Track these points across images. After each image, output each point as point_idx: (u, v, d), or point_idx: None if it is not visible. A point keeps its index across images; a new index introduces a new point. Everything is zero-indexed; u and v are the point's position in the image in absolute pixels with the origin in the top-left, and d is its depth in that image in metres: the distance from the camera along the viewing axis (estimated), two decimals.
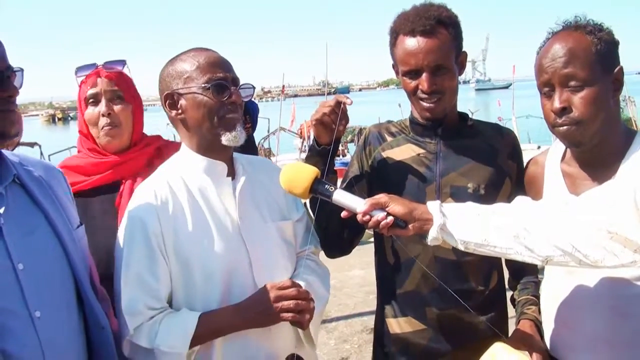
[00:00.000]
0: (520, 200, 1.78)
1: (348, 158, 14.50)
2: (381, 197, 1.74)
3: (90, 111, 2.27)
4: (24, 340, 1.51)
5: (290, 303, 1.80)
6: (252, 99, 2.53)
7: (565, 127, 1.73)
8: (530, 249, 1.61)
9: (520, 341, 1.98)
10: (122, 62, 2.33)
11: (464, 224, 1.68)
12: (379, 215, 1.72)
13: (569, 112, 1.71)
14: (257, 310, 1.80)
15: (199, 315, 1.80)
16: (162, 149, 2.39)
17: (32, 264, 1.57)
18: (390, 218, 1.71)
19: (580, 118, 1.70)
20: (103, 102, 2.26)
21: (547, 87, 1.76)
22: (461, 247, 1.70)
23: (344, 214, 1.80)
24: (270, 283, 1.81)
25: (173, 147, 2.36)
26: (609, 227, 1.52)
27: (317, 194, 1.83)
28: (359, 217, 1.75)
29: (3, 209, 1.57)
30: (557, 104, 1.72)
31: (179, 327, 1.78)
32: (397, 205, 1.71)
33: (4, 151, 1.67)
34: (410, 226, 1.71)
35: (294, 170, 1.87)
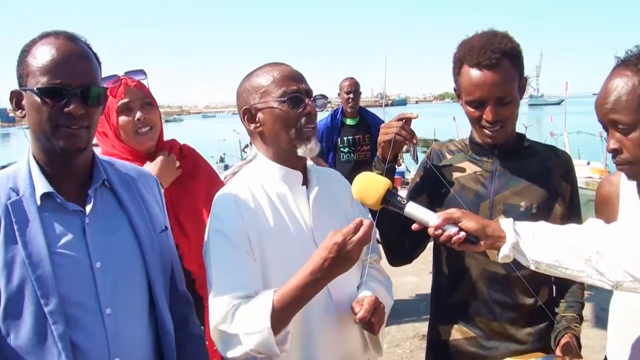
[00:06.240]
0: (593, 222, 1.70)
1: (403, 167, 14.36)
2: (454, 212, 1.69)
3: (125, 119, 2.33)
4: (92, 333, 1.53)
5: (361, 244, 1.64)
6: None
7: (620, 166, 1.72)
8: (601, 272, 1.55)
9: (569, 352, 1.98)
10: (143, 72, 2.41)
11: (537, 244, 1.62)
12: (451, 230, 1.67)
13: (620, 152, 1.68)
14: (332, 257, 1.62)
15: (274, 290, 1.69)
16: (182, 150, 2.52)
17: (109, 263, 1.59)
18: (462, 233, 1.66)
19: (632, 159, 1.66)
20: (137, 109, 2.33)
21: (602, 125, 1.73)
22: (532, 267, 1.64)
23: (414, 226, 1.75)
24: (333, 233, 1.64)
25: (187, 147, 2.57)
26: None
27: (389, 205, 1.78)
28: (430, 230, 1.71)
29: (89, 208, 1.60)
30: (610, 145, 1.69)
31: (257, 306, 1.68)
32: (470, 222, 1.67)
33: (98, 155, 1.72)
34: (482, 242, 1.67)
35: (367, 180, 1.82)
